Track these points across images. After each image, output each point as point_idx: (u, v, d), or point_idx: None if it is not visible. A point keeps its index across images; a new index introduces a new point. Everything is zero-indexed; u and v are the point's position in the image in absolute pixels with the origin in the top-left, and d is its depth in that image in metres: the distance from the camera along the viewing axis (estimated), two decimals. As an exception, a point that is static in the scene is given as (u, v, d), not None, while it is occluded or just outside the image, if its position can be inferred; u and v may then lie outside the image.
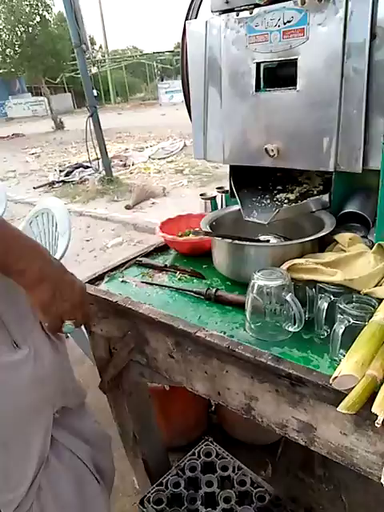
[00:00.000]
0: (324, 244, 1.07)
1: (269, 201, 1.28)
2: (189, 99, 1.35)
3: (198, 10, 1.32)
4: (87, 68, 6.03)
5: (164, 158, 8.06)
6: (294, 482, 1.58)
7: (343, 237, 0.97)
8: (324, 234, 1.00)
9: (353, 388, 0.65)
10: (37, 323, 0.88)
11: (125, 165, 7.80)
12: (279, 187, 1.32)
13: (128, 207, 5.18)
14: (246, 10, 1.11)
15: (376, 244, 0.85)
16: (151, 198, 5.45)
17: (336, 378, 0.60)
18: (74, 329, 0.83)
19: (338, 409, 0.64)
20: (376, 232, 0.89)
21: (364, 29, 0.95)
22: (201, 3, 1.32)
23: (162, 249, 1.39)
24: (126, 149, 9.45)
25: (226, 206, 1.47)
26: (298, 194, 1.27)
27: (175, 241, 1.29)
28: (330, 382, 0.61)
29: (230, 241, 1.03)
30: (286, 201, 1.26)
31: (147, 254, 1.35)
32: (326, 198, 1.17)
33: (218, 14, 1.18)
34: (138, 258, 1.29)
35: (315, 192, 1.24)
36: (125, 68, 29.52)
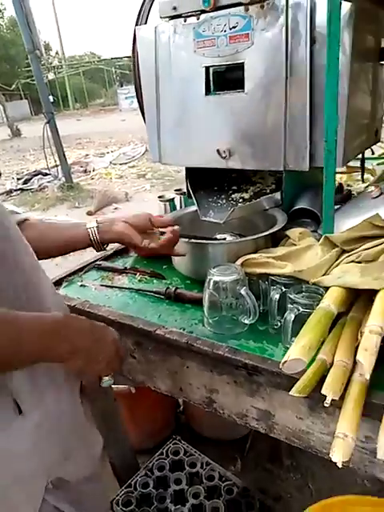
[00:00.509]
0: (277, 239, 1.11)
1: (224, 201, 1.32)
2: (142, 103, 1.37)
3: (148, 15, 1.35)
4: (43, 74, 5.93)
5: (126, 163, 8.03)
6: (263, 473, 1.62)
7: (294, 232, 1.02)
8: (275, 230, 1.04)
9: (304, 372, 0.69)
10: (52, 384, 0.79)
11: (85, 171, 7.71)
12: (234, 187, 1.36)
13: (90, 213, 5.12)
14: (192, 15, 1.14)
15: (322, 237, 0.90)
16: (114, 203, 5.41)
17: (285, 362, 0.64)
18: (112, 381, 0.81)
19: (290, 393, 0.67)
20: (322, 226, 0.94)
21: (304, 34, 1.00)
22: (150, 9, 1.35)
23: (121, 252, 1.40)
24: (87, 155, 9.33)
25: (185, 207, 1.49)
26: (252, 194, 1.31)
27: (134, 243, 1.30)
28: (280, 366, 0.65)
29: (186, 240, 1.06)
30: (240, 200, 1.30)
31: (107, 258, 1.35)
32: (277, 196, 1.22)
33: (166, 19, 1.20)
34: (97, 262, 1.29)
35: (268, 191, 1.29)
36: (83, 74, 29.15)
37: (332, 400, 0.64)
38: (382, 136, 1.63)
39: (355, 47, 1.00)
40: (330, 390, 0.64)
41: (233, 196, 1.32)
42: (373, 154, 1.59)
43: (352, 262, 0.80)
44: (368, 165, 1.71)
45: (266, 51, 1.06)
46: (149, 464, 1.36)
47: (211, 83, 1.19)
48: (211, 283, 0.89)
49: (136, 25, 1.34)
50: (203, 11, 1.11)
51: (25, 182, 7.10)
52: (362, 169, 1.47)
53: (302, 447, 0.82)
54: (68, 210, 5.50)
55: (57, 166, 6.68)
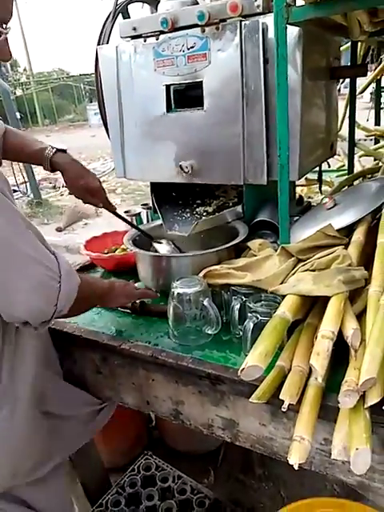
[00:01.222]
0: (240, 250, 1.14)
1: (189, 214, 1.34)
2: (106, 120, 1.39)
3: (110, 34, 1.37)
4: (10, 90, 5.88)
5: (95, 179, 7.96)
6: (236, 484, 1.62)
7: (254, 243, 1.05)
8: (237, 242, 1.07)
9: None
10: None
11: (54, 187, 7.63)
12: (198, 201, 1.39)
13: (59, 229, 5.06)
14: (152, 36, 1.17)
15: (279, 247, 0.93)
16: (84, 219, 5.37)
17: (243, 369, 0.65)
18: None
19: (249, 400, 0.69)
20: (280, 236, 0.98)
21: (258, 54, 1.04)
22: (112, 29, 1.38)
23: (88, 267, 1.40)
24: (56, 171, 9.23)
25: (151, 221, 1.51)
26: (215, 207, 1.34)
27: (100, 258, 1.30)
28: (239, 374, 0.66)
29: (151, 253, 1.07)
30: (204, 213, 1.32)
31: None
32: (239, 209, 1.26)
33: (127, 39, 1.24)
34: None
35: (231, 204, 1.32)
36: (52, 90, 28.99)
37: (290, 404, 0.66)
38: (337, 149, 1.71)
39: (306, 66, 1.05)
40: (287, 395, 0.67)
41: (197, 210, 1.35)
42: (329, 167, 1.66)
43: (307, 270, 0.83)
44: (326, 177, 1.78)
45: (222, 70, 1.10)
46: (120, 481, 1.35)
47: (172, 101, 1.22)
48: (175, 295, 0.91)
49: (98, 44, 1.36)
50: (162, 32, 1.15)
51: (-8, 199, 6.93)
52: (320, 181, 1.53)
53: (267, 454, 0.84)
54: (46, 227, 5.41)
55: (25, 182, 6.59)
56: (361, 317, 0.75)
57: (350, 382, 0.60)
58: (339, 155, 1.78)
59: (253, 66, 1.06)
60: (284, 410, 0.65)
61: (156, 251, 1.23)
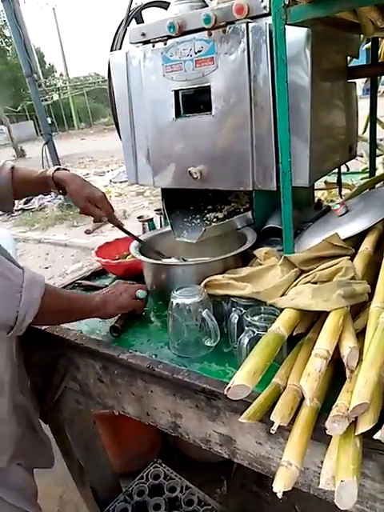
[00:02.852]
0: (248, 258, 1.11)
1: (199, 220, 1.32)
2: (118, 125, 1.39)
3: (122, 41, 1.38)
4: (43, 96, 6.06)
5: (125, 181, 8.08)
6: (249, 496, 1.58)
7: (260, 251, 1.02)
8: (241, 250, 1.04)
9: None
10: None
11: (86, 190, 7.78)
12: (210, 207, 1.37)
13: (88, 232, 5.12)
14: (160, 41, 1.16)
15: (282, 257, 0.90)
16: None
17: (229, 388, 0.63)
18: (145, 293, 1.05)
19: (239, 419, 0.66)
20: (284, 246, 0.94)
21: (265, 57, 1.01)
22: (124, 35, 1.38)
23: (99, 273, 1.41)
24: (87, 174, 9.43)
25: (163, 226, 1.50)
26: (226, 213, 1.31)
27: (109, 264, 1.30)
28: (225, 392, 0.64)
29: (152, 261, 1.06)
30: (215, 220, 1.30)
31: (87, 278, 1.37)
32: (249, 215, 1.22)
33: (136, 45, 1.23)
34: (77, 281, 1.31)
35: (242, 210, 1.29)
36: (87, 94, 29.69)
37: (281, 426, 0.63)
38: (360, 151, 1.64)
39: (317, 67, 1.01)
40: (278, 416, 0.63)
41: (207, 215, 1.32)
42: (348, 170, 1.59)
43: (308, 282, 0.79)
44: (348, 180, 1.72)
45: (230, 74, 1.07)
46: (128, 489, 1.34)
47: (181, 106, 1.20)
48: (173, 305, 0.89)
49: (111, 50, 1.37)
50: (170, 37, 1.13)
51: (26, 202, 7.19)
52: (339, 185, 1.47)
53: (264, 473, 0.81)
54: (66, 229, 5.54)
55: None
56: (363, 334, 0.70)
57: (340, 406, 0.57)
58: (362, 156, 1.71)
59: (260, 68, 1.03)
60: (273, 432, 0.62)
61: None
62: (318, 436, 0.65)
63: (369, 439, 0.57)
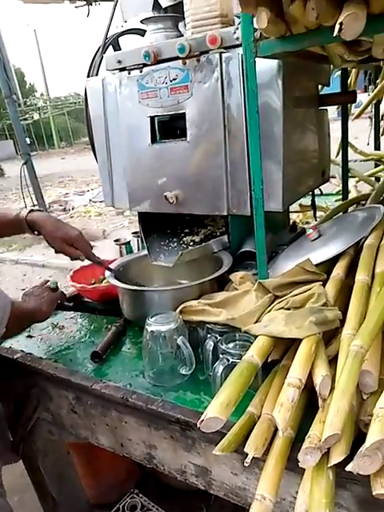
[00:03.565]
0: (224, 282, 1.11)
1: (176, 244, 1.32)
2: (95, 149, 1.40)
3: (99, 67, 1.39)
4: (23, 116, 6.05)
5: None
6: (230, 525, 1.55)
7: (236, 276, 1.02)
8: (217, 275, 1.04)
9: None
10: None
11: (65, 209, 7.73)
12: (186, 230, 1.37)
13: (67, 252, 5.08)
14: (136, 68, 1.18)
15: (257, 282, 0.90)
16: (91, 241, 5.39)
17: (203, 421, 0.62)
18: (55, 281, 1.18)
19: (213, 451, 0.65)
20: (258, 271, 0.95)
21: (238, 85, 1.04)
22: (101, 61, 1.40)
23: (75, 297, 1.38)
24: (67, 193, 9.38)
25: (140, 250, 1.49)
26: (202, 236, 1.32)
27: (85, 289, 1.28)
28: (198, 425, 0.63)
29: (127, 286, 1.05)
30: (191, 243, 1.30)
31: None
32: (225, 239, 1.23)
33: (113, 72, 1.24)
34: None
35: (218, 233, 1.30)
36: (67, 114, 29.82)
37: (254, 457, 0.62)
38: (335, 173, 1.68)
39: (289, 96, 1.04)
40: (252, 448, 0.62)
41: (184, 239, 1.33)
42: (321, 192, 1.63)
43: (281, 308, 0.79)
44: (322, 202, 1.75)
45: (204, 102, 1.09)
46: (104, 522, 1.29)
47: (157, 132, 1.21)
48: (148, 333, 0.88)
49: (87, 76, 1.38)
50: (145, 64, 1.15)
51: (4, 222, 7.06)
52: (314, 208, 1.50)
53: (241, 504, 0.79)
54: (44, 250, 5.44)
55: (34, 205, 6.70)
56: (336, 360, 0.71)
57: (313, 437, 0.56)
58: (335, 178, 1.75)
59: (233, 96, 1.05)
60: (247, 464, 0.61)
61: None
62: (293, 466, 0.63)
63: (342, 470, 0.57)
